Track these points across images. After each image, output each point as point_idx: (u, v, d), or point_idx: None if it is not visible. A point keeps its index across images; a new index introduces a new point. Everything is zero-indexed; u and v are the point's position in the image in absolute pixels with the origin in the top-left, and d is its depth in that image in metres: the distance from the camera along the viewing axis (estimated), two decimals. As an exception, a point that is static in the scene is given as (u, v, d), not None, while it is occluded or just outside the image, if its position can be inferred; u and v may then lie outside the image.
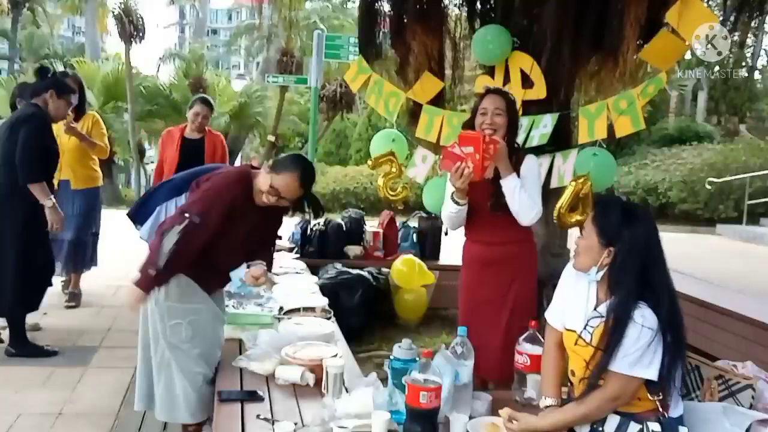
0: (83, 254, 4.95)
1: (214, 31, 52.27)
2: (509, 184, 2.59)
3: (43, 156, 3.73)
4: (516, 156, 2.68)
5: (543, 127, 3.55)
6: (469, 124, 2.75)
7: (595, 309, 1.86)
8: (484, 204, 2.69)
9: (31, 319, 4.05)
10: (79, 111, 4.74)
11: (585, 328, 1.83)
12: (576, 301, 1.93)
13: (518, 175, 2.63)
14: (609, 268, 1.82)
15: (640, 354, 1.72)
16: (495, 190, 2.64)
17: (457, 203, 2.66)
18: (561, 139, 3.67)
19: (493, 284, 2.75)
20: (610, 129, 3.42)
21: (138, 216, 3.57)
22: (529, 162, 2.70)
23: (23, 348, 3.83)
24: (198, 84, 14.07)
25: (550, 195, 3.63)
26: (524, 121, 3.57)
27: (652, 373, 1.73)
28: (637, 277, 1.77)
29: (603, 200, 2.04)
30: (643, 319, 1.72)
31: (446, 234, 5.20)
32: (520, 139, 3.50)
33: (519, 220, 2.64)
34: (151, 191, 3.65)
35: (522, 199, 2.59)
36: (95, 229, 5.02)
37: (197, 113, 4.78)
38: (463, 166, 2.47)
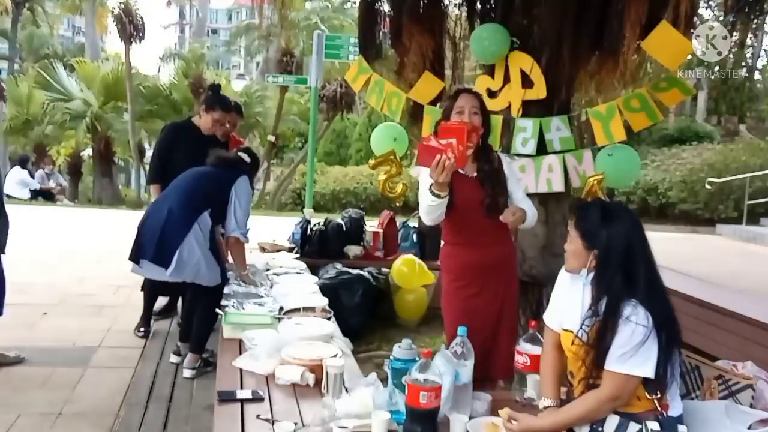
0: None
1: (214, 31, 52.25)
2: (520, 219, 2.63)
3: (164, 162, 4.12)
4: (489, 155, 2.77)
5: (556, 130, 3.55)
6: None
7: (589, 309, 1.86)
8: (476, 207, 2.67)
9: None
10: None
11: (581, 328, 1.84)
12: (572, 303, 1.94)
13: (496, 170, 2.72)
14: (595, 269, 1.83)
15: (634, 352, 1.72)
16: (487, 192, 2.66)
17: (438, 196, 2.53)
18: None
19: (491, 286, 2.77)
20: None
21: (157, 259, 3.32)
22: (507, 161, 2.84)
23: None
24: (198, 84, 14.02)
25: (549, 195, 3.64)
26: (528, 124, 3.57)
27: (648, 371, 1.73)
28: (622, 276, 1.77)
29: (582, 204, 2.06)
30: (636, 317, 1.73)
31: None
32: (530, 145, 3.57)
33: (525, 225, 2.71)
34: (161, 229, 3.34)
35: (530, 211, 2.71)
36: None
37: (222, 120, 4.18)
38: (444, 158, 2.37)
